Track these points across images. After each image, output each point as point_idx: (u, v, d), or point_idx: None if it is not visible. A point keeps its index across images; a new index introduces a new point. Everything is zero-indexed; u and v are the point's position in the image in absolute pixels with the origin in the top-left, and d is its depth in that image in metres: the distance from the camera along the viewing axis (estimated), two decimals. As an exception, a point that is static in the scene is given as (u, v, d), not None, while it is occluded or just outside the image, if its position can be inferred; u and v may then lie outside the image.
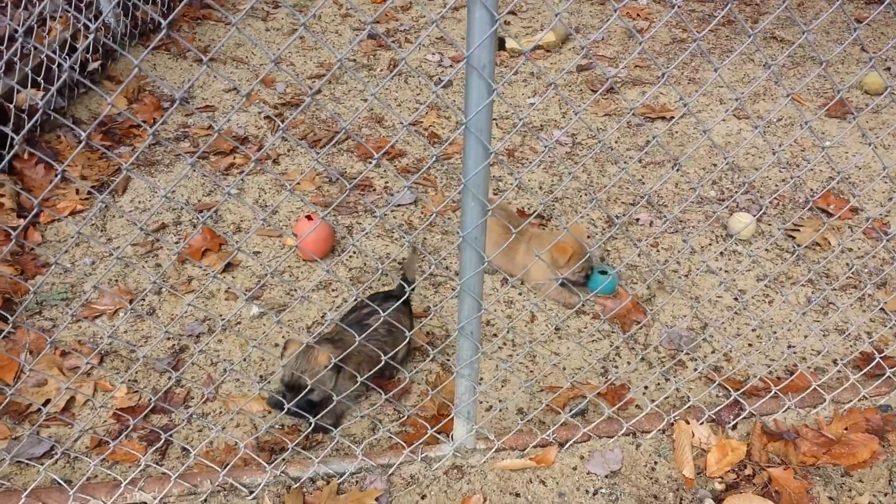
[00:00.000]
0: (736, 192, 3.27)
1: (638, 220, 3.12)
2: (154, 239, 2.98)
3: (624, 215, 3.15)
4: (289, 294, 2.75)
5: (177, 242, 2.98)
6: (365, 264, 2.88)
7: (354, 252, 2.94)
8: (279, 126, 3.72)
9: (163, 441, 2.13)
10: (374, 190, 3.31)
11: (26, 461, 2.04)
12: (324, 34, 4.60)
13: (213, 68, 4.16)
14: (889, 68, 4.34)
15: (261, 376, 2.40)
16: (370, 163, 3.46)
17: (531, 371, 2.44)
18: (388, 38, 4.54)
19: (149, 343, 2.51)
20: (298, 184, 3.29)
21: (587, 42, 4.55)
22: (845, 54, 4.52)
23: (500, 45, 4.50)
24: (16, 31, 3.61)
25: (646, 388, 2.38)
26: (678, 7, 5.05)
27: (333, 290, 2.76)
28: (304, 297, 2.71)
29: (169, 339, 2.55)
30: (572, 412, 2.21)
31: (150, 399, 2.29)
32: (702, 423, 2.17)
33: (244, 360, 2.46)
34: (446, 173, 3.41)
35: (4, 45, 3.50)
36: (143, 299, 2.70)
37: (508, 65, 4.34)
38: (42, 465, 2.05)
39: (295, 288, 2.77)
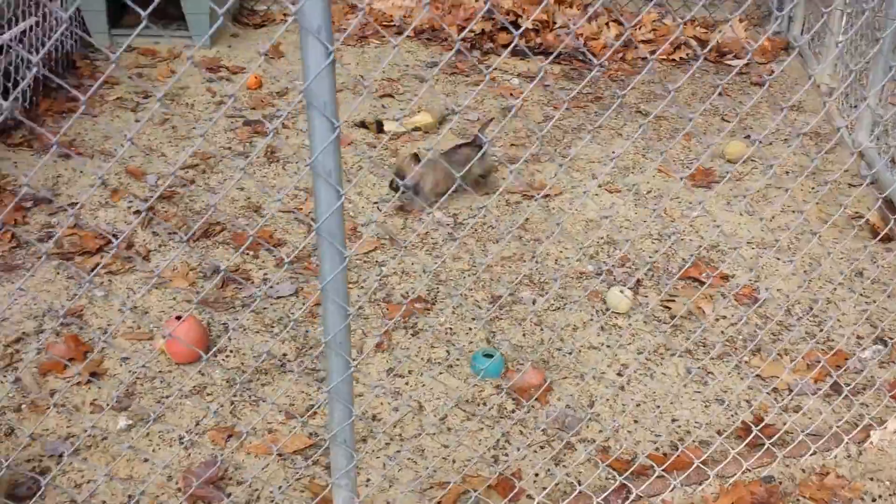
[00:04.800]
0: (613, 265, 3.36)
1: (521, 299, 3.13)
2: (13, 350, 2.77)
3: (510, 295, 3.17)
4: (160, 402, 2.59)
5: (38, 353, 2.77)
6: (243, 363, 2.75)
7: (232, 351, 2.81)
8: (150, 220, 3.59)
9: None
10: (253, 282, 3.20)
11: None
12: (197, 122, 4.51)
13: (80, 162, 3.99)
14: (748, 136, 4.61)
15: (129, 496, 2.22)
16: (248, 253, 3.36)
17: (423, 467, 2.36)
18: (265, 124, 4.49)
19: (7, 467, 2.29)
20: (171, 281, 3.15)
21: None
22: (707, 125, 4.79)
23: (379, 127, 4.53)
24: None
25: (536, 475, 2.35)
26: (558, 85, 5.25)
27: (209, 395, 2.61)
28: (170, 407, 2.56)
29: (28, 461, 2.33)
30: (463, 509, 2.14)
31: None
32: (592, 509, 2.14)
33: (110, 478, 2.27)
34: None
35: None
36: (3, 415, 2.48)
37: (388, 146, 4.37)
38: None
39: (166, 395, 2.61)
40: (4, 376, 2.65)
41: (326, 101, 1.36)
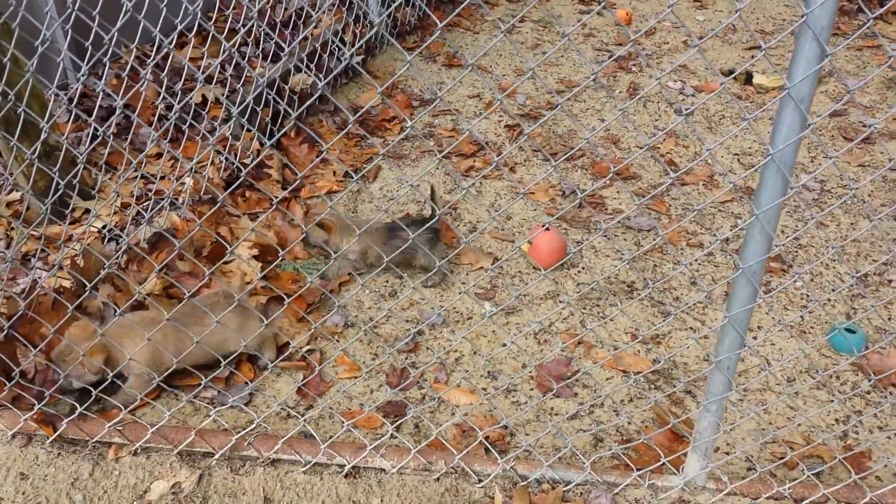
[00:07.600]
0: None
1: (891, 281, 2.91)
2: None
3: (877, 275, 2.95)
4: (517, 298, 2.82)
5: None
6: (594, 281, 2.89)
7: (583, 268, 2.96)
8: (518, 135, 3.84)
9: (406, 417, 2.26)
10: (606, 209, 3.31)
11: (287, 410, 2.24)
12: (565, 52, 4.67)
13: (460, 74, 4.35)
14: None
15: (488, 371, 2.48)
16: (607, 181, 3.47)
17: (766, 420, 2.34)
18: (629, 62, 4.53)
19: (389, 322, 2.67)
20: (532, 193, 3.37)
21: (850, 90, 4.30)
22: None
23: (748, 79, 4.36)
24: (298, 16, 3.96)
25: (888, 459, 2.22)
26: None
27: (560, 302, 2.79)
28: (527, 304, 2.77)
29: (407, 321, 2.69)
30: (811, 471, 2.10)
31: (402, 368, 2.43)
32: (959, 512, 1.99)
33: (474, 352, 2.55)
34: (683, 203, 3.35)
35: (289, 30, 3.86)
36: (387, 282, 2.87)
37: (754, 100, 4.20)
38: (302, 417, 2.24)
39: (524, 293, 2.84)
40: (390, 247, 3.04)
41: (824, 27, 1.36)
